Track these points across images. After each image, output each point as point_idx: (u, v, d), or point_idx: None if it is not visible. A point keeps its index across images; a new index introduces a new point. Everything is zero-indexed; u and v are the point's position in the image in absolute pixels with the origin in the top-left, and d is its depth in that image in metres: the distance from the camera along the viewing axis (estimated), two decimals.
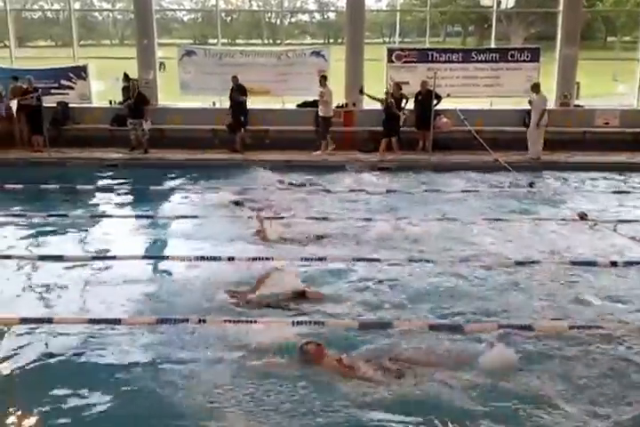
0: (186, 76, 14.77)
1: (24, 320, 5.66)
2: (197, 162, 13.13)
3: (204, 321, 5.58)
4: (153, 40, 14.78)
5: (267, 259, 7.22)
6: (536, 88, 13.25)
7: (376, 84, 14.65)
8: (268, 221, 8.51)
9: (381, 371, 4.71)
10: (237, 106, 13.92)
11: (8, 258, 7.44)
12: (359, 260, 7.30)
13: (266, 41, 19.37)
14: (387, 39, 18.95)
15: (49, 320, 5.67)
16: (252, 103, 14.73)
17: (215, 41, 15.69)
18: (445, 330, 5.51)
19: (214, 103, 15.05)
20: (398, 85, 13.93)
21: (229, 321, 5.57)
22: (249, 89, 14.41)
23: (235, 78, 13.81)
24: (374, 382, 4.60)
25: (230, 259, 7.20)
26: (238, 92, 13.84)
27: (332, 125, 13.96)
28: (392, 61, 14.59)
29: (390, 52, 14.68)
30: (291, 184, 11.33)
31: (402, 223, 8.76)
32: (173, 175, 12.29)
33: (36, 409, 4.45)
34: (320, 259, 7.27)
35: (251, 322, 5.56)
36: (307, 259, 7.25)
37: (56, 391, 4.66)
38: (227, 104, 14.20)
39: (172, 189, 11.38)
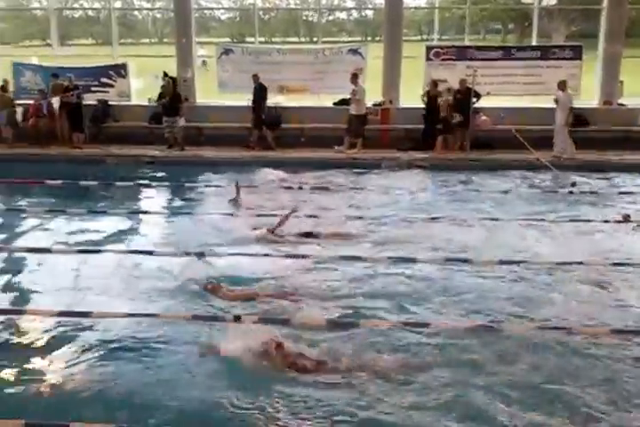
0: (224, 74, 14.83)
1: (63, 314, 5.73)
2: (231, 159, 13.17)
3: (239, 318, 5.58)
4: (191, 39, 14.87)
5: (303, 257, 7.21)
6: (562, 85, 12.96)
7: (415, 82, 14.57)
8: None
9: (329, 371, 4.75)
10: (257, 104, 13.98)
11: (48, 252, 7.56)
12: (391, 258, 7.24)
13: (303, 39, 19.38)
14: (425, 37, 18.81)
15: (87, 314, 5.72)
16: (289, 101, 14.78)
17: (253, 39, 15.74)
18: (481, 331, 5.41)
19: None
20: (435, 83, 13.79)
21: (264, 320, 5.55)
22: (285, 87, 14.47)
23: (255, 77, 13.88)
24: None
25: (266, 255, 7.23)
26: (259, 92, 13.89)
27: (367, 123, 13.90)
28: (430, 59, 14.42)
29: (429, 49, 14.51)
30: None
31: (439, 223, 8.67)
32: (208, 172, 12.31)
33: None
34: (355, 258, 7.22)
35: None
36: (344, 257, 7.20)
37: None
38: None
39: (206, 186, 11.40)
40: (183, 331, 5.49)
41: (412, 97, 14.62)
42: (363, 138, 13.82)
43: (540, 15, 15.37)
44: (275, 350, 4.78)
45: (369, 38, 19.09)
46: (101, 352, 5.14)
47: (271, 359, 4.76)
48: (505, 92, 14.40)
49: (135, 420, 4.27)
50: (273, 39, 18.19)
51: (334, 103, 14.94)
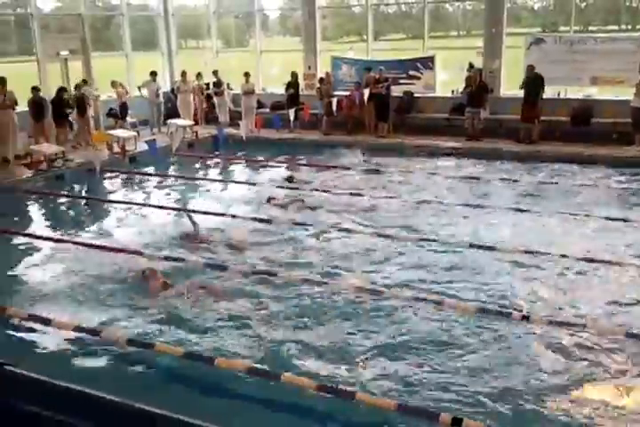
0: None
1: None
2: (528, 153, 12.77)
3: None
4: (502, 29, 14.61)
5: None
6: None
7: None
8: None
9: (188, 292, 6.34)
10: (531, 96, 13.31)
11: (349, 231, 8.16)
12: None
13: (624, 27, 17.72)
14: None
15: None
16: (602, 94, 13.77)
17: (567, 28, 14.90)
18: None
19: (559, 93, 14.35)
20: None
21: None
22: (598, 78, 13.51)
23: (530, 67, 13.39)
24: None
25: None
26: (534, 83, 13.17)
27: None
28: None
29: None
30: None
31: None
32: (501, 165, 12.17)
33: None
34: None
35: None
36: None
37: None
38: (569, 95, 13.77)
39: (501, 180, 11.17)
40: None
41: None
42: None
43: None
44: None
45: None
46: None
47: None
48: None
49: None
50: (589, 28, 16.96)
51: None
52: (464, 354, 5.14)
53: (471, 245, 7.53)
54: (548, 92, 13.93)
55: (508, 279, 6.65)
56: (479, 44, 15.10)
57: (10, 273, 7.25)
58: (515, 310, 5.80)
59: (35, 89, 13.00)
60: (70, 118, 13.87)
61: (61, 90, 13.55)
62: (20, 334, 5.79)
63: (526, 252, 7.22)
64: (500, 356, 5.09)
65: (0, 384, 1.72)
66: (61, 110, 13.38)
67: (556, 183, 10.71)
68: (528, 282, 6.55)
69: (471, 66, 14.63)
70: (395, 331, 5.52)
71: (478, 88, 13.80)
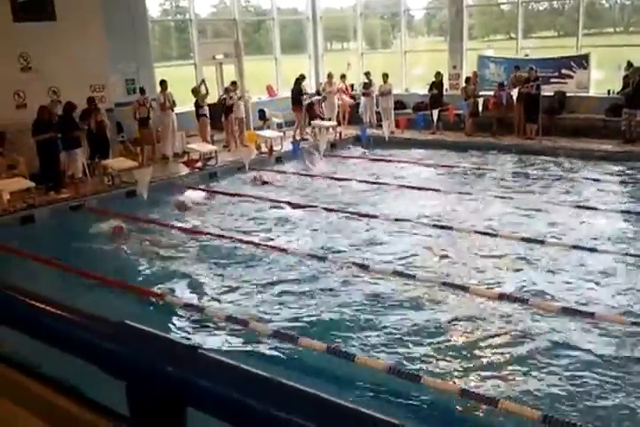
0: None
1: None
2: None
3: None
4: None
5: None
6: None
7: None
8: None
9: None
10: None
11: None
12: None
13: None
14: None
15: None
16: None
17: None
18: None
19: None
20: None
21: None
22: None
23: None
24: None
25: None
26: None
27: None
28: None
29: None
30: None
31: None
32: None
33: None
34: None
35: None
36: None
37: None
38: None
39: None
40: None
41: None
42: None
43: None
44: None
45: None
46: None
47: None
48: None
49: None
50: None
51: None
52: None
53: None
54: None
55: None
56: (637, 42, 14.13)
57: (166, 263, 7.85)
58: None
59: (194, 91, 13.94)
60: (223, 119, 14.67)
61: (299, 79, 15.56)
62: (177, 321, 6.26)
63: None
64: None
65: (195, 367, 1.81)
66: (300, 97, 15.41)
67: None
68: None
69: (630, 64, 13.72)
70: None
71: (637, 88, 12.90)
